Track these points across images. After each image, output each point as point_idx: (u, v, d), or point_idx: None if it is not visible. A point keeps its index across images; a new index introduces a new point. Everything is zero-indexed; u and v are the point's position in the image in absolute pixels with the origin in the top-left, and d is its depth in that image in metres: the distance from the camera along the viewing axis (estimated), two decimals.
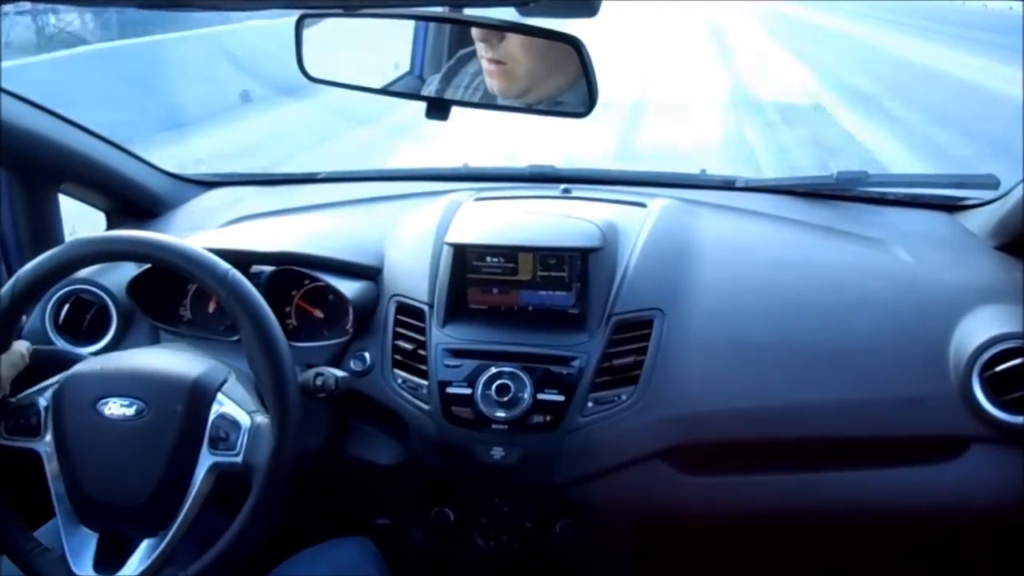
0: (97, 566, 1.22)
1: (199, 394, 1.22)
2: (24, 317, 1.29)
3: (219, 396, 1.23)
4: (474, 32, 1.13)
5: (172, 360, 1.29)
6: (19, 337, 1.34)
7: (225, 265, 1.24)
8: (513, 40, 1.11)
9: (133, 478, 1.20)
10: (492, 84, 1.15)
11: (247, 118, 8.73)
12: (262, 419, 1.23)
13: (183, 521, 1.20)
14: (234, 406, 1.23)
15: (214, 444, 1.21)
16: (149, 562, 1.20)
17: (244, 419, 1.22)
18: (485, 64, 1.14)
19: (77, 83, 6.96)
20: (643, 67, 12.24)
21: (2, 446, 1.26)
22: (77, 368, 1.28)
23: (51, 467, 1.23)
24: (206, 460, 1.21)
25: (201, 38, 9.66)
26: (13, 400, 1.27)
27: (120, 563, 1.21)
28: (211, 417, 1.22)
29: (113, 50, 9.03)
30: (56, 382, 1.26)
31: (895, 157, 7.21)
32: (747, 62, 13.60)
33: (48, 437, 1.24)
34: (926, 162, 7.01)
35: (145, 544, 1.21)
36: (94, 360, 1.33)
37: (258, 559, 1.27)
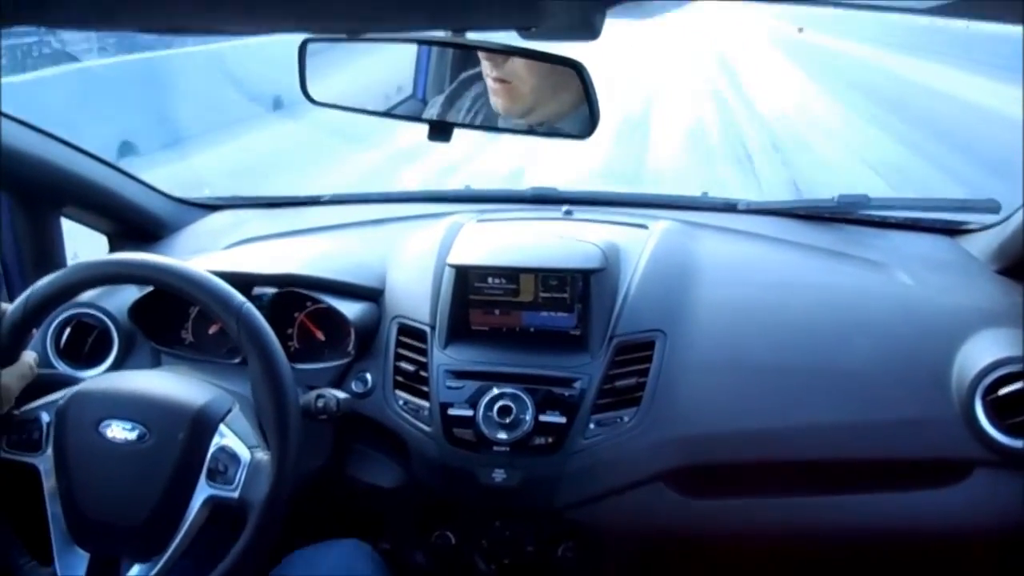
0: None
1: (201, 424, 1.22)
2: (34, 330, 1.29)
3: (221, 428, 1.23)
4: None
5: (177, 386, 1.29)
6: None
7: (240, 298, 1.25)
8: (518, 59, 1.11)
9: (129, 502, 1.20)
10: (496, 103, 1.16)
11: None
12: (262, 456, 1.22)
13: (176, 549, 1.19)
14: (235, 439, 1.23)
15: (212, 476, 1.21)
16: None
17: (244, 454, 1.22)
18: (490, 83, 1.14)
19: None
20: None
21: (2, 459, 1.26)
22: (82, 386, 1.28)
23: (48, 484, 1.24)
24: (203, 491, 1.20)
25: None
26: (17, 413, 1.27)
27: None
28: (211, 449, 1.22)
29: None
30: (60, 398, 1.26)
31: None
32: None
33: (48, 453, 1.24)
34: None
35: (136, 569, 1.21)
36: (99, 379, 1.34)
37: None
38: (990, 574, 1.50)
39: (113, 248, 1.90)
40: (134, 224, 1.88)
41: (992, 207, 1.63)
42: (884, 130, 9.62)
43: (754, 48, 19.17)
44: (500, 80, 1.14)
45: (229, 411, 1.26)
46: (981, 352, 1.37)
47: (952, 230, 1.74)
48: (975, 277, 1.60)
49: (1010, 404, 1.33)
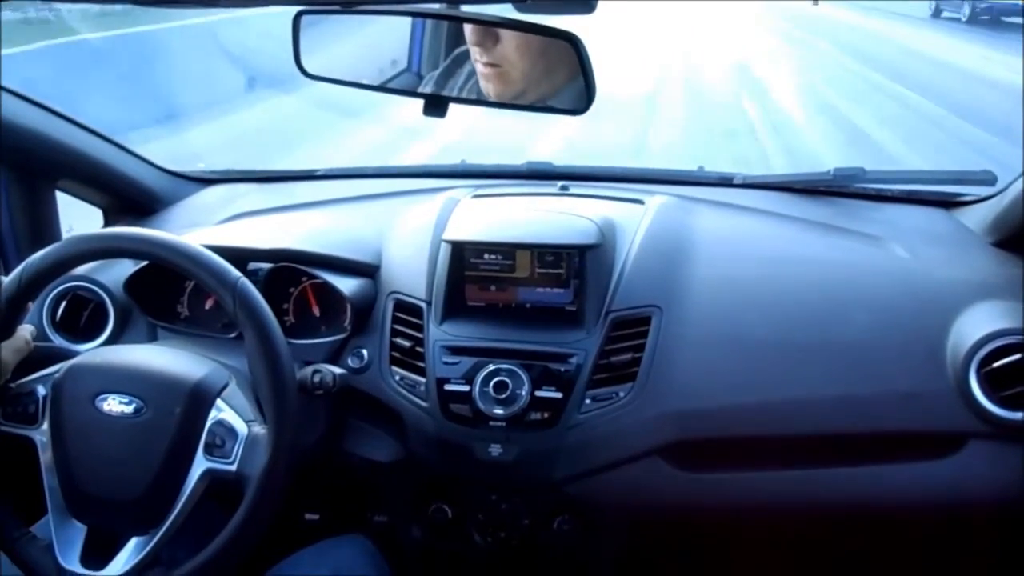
0: (84, 560, 1.22)
1: (198, 398, 1.22)
2: (30, 304, 1.29)
3: (218, 402, 1.23)
4: (468, 36, 1.13)
5: (174, 361, 1.29)
6: None
7: (235, 272, 1.24)
8: (508, 43, 1.10)
9: (126, 475, 1.20)
10: (487, 88, 1.14)
11: None
12: (259, 429, 1.22)
13: (173, 522, 1.20)
14: (232, 413, 1.23)
15: (209, 450, 1.21)
16: (136, 560, 1.20)
17: (241, 428, 1.22)
18: (480, 68, 1.13)
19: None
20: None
21: None
22: (79, 360, 1.28)
23: (45, 456, 1.24)
24: (200, 465, 1.21)
25: None
26: (13, 386, 1.27)
27: (107, 559, 1.21)
28: (208, 423, 1.22)
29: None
30: (57, 371, 1.26)
31: None
32: None
33: (45, 426, 1.24)
34: None
35: (133, 542, 1.22)
36: (96, 352, 1.33)
37: (255, 558, 1.27)
38: (984, 546, 1.51)
39: (108, 222, 1.89)
40: (129, 198, 1.88)
41: (988, 179, 1.63)
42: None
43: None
44: (490, 64, 1.12)
45: (226, 385, 1.26)
46: (976, 324, 1.38)
47: (948, 202, 1.74)
48: (971, 250, 1.60)
49: (1005, 376, 1.33)
